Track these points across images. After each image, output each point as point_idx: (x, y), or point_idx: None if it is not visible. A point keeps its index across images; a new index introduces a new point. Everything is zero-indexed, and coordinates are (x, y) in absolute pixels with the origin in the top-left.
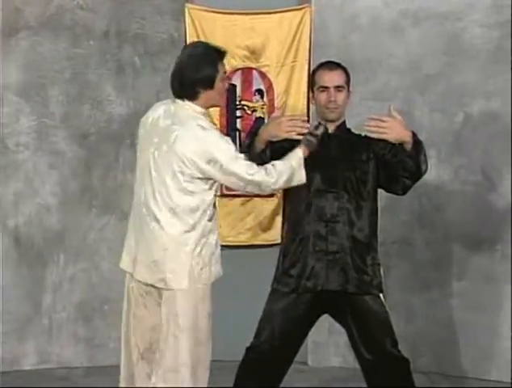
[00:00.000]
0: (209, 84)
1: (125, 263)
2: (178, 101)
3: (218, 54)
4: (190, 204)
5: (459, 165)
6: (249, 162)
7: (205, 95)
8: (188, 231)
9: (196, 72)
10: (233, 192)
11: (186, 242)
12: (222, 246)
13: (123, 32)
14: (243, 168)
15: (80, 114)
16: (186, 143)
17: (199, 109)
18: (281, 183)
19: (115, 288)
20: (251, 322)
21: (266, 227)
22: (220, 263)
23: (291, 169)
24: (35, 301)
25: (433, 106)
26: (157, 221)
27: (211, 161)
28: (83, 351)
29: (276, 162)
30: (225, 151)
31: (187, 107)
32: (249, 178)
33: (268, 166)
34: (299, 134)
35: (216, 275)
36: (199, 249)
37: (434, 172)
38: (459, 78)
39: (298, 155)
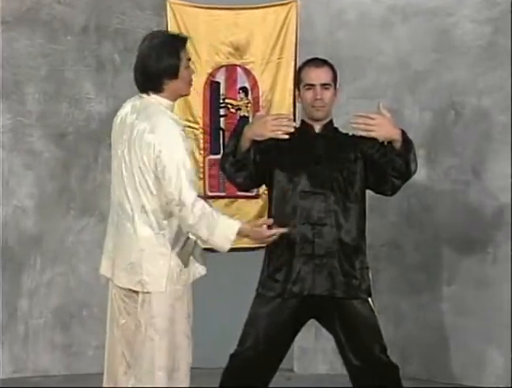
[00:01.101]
0: (173, 74)
1: (104, 269)
2: (144, 95)
3: (179, 42)
4: (157, 203)
5: (450, 164)
6: (189, 185)
7: (170, 86)
8: (161, 231)
9: (159, 62)
10: (217, 194)
11: (161, 242)
12: (205, 249)
13: (102, 28)
14: (181, 183)
15: (57, 112)
16: (145, 138)
17: (166, 102)
18: (196, 230)
19: (94, 292)
20: (235, 328)
21: None
22: (202, 263)
23: (216, 228)
24: (11, 307)
25: (423, 104)
26: (132, 222)
27: (157, 157)
28: (61, 358)
29: (212, 215)
30: (172, 155)
31: (153, 101)
32: (179, 197)
33: (204, 208)
34: (284, 133)
35: (198, 275)
36: (177, 249)
37: (424, 172)
38: (450, 76)
39: (234, 230)
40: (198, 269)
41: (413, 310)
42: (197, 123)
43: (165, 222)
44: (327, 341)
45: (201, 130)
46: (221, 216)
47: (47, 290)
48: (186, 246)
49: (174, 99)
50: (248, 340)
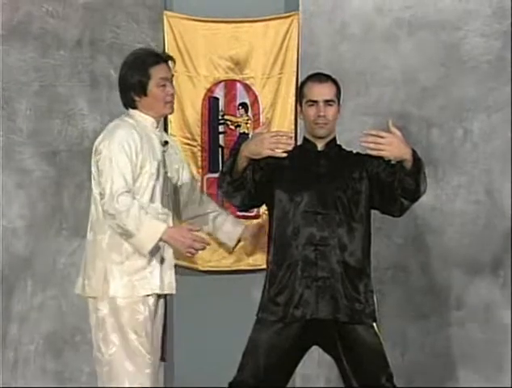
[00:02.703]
0: (141, 90)
1: None
2: (126, 111)
3: (151, 59)
4: (97, 205)
5: (459, 184)
6: (117, 178)
7: (142, 103)
8: (99, 236)
9: (127, 78)
10: None
11: (100, 246)
12: (203, 271)
13: (96, 42)
14: (111, 175)
15: (50, 129)
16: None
17: (142, 115)
18: (123, 222)
19: (87, 317)
20: (234, 354)
21: (252, 251)
22: (156, 279)
23: (141, 227)
24: (0, 332)
25: (430, 121)
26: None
27: (97, 152)
28: (52, 386)
29: (140, 211)
30: (108, 151)
31: (130, 113)
32: (105, 188)
33: (133, 203)
34: (283, 152)
35: (151, 290)
36: (117, 256)
37: (432, 192)
38: (458, 91)
39: (159, 229)
40: (150, 285)
41: (420, 336)
42: (195, 140)
43: (105, 226)
44: (330, 368)
45: (199, 148)
46: (149, 214)
47: (38, 314)
48: (136, 256)
49: (154, 116)
50: (248, 367)
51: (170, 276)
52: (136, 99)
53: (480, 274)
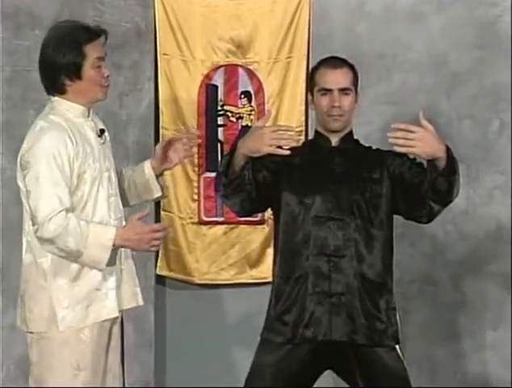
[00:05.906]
0: (75, 73)
1: None
2: (50, 97)
3: (85, 34)
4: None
5: (494, 184)
6: (47, 197)
7: (74, 87)
8: (39, 259)
9: (56, 58)
10: (214, 219)
11: (40, 272)
12: (200, 285)
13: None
14: (38, 195)
15: (23, 121)
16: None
17: (69, 104)
18: (64, 243)
19: None
20: (237, 378)
21: (255, 262)
22: (112, 301)
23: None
24: None
25: (461, 111)
26: (23, 246)
27: (23, 162)
28: None
29: (79, 224)
30: (34, 163)
31: (55, 105)
32: (34, 212)
33: (69, 219)
34: (286, 149)
35: (106, 316)
36: (64, 281)
37: (463, 193)
38: (494, 77)
39: (109, 235)
40: (106, 309)
41: (451, 360)
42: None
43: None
44: None
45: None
46: (91, 223)
47: (10, 336)
48: (86, 279)
49: (84, 104)
50: None
51: (131, 288)
52: (67, 82)
53: None
